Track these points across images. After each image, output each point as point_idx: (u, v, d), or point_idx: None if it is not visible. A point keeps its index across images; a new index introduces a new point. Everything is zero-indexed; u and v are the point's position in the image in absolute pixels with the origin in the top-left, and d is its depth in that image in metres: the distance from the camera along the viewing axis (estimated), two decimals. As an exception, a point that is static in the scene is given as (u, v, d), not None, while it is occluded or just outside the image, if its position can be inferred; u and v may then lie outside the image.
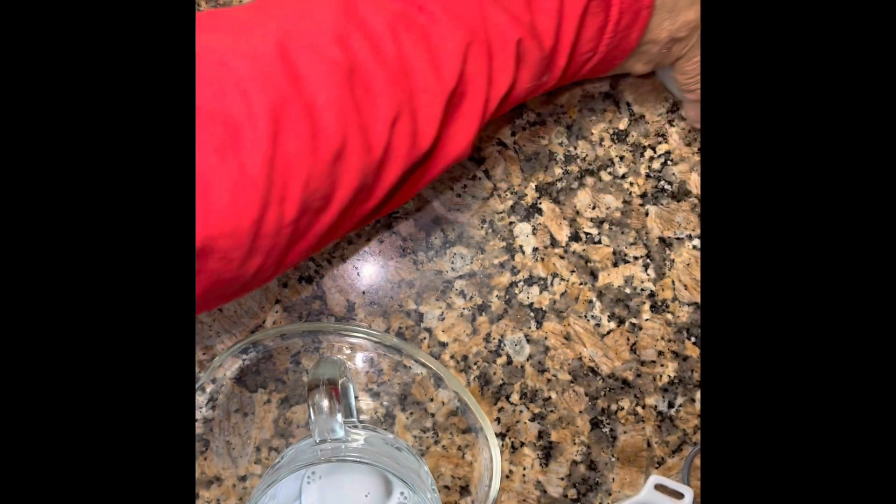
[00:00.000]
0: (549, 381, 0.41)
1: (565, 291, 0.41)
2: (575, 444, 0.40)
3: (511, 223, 0.41)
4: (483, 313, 0.41)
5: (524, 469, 0.41)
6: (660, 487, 0.39)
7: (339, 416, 0.34)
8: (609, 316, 0.41)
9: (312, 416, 0.34)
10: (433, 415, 0.41)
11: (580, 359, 0.41)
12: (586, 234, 0.41)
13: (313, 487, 0.38)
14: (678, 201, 0.41)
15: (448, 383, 0.40)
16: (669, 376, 0.41)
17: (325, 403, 0.34)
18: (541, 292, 0.41)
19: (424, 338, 0.41)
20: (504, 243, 0.41)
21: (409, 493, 0.38)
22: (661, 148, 0.41)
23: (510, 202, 0.41)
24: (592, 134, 0.41)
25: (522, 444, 0.41)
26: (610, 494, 0.40)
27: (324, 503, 0.38)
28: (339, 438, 0.34)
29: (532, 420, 0.41)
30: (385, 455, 0.35)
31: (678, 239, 0.41)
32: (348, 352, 0.41)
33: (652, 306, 0.41)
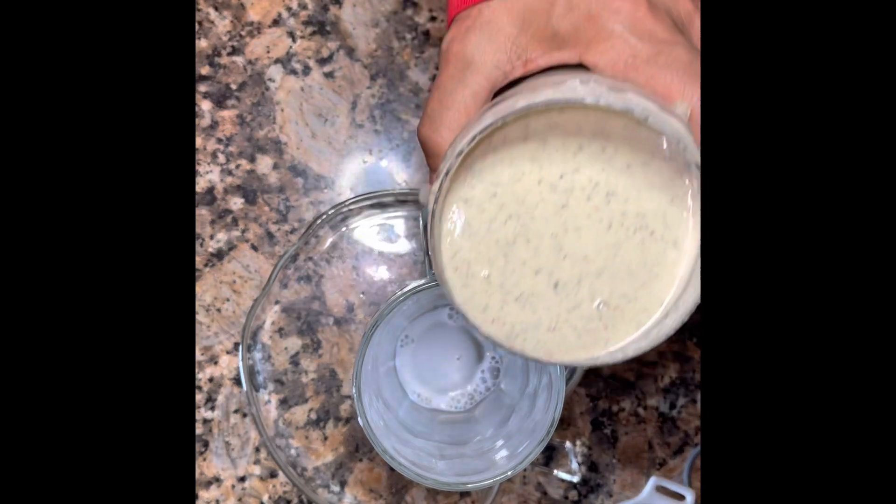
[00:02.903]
0: (549, 381, 0.41)
1: (566, 292, 0.41)
2: (576, 445, 0.40)
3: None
4: (483, 314, 0.41)
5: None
6: (661, 489, 0.39)
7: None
8: (610, 316, 0.41)
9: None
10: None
11: (581, 359, 0.41)
12: (587, 234, 0.41)
13: (406, 350, 0.39)
14: (679, 201, 0.41)
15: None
16: (671, 377, 0.41)
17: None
18: (541, 293, 0.41)
19: (424, 338, 0.41)
20: (504, 243, 0.41)
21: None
22: (663, 148, 0.41)
23: (511, 202, 0.41)
24: (593, 133, 0.41)
25: (523, 445, 0.41)
26: (611, 496, 0.40)
27: (415, 364, 0.39)
28: None
29: (532, 421, 0.41)
30: None
31: (679, 239, 0.41)
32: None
33: (653, 307, 0.41)
